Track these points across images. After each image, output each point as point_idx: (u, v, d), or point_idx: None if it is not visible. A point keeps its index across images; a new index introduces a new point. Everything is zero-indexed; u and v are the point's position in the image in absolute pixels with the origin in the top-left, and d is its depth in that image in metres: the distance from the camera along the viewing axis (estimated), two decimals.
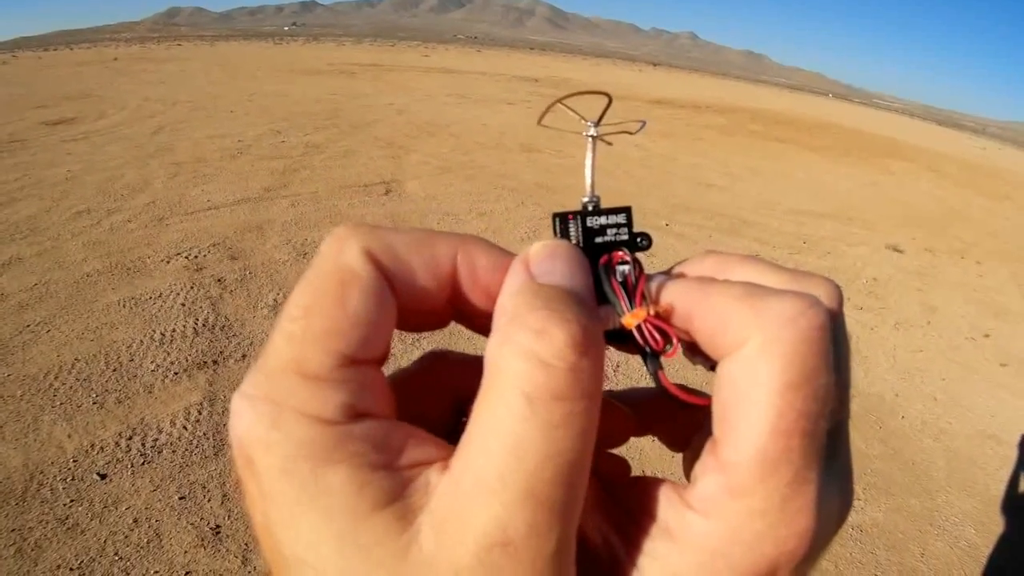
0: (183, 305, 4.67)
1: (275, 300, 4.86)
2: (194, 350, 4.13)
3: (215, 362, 4.04)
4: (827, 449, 0.28)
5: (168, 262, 5.32)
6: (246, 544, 2.87)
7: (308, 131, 10.84)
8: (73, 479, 3.07)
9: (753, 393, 0.27)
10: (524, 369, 0.26)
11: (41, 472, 3.08)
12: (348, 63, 27.08)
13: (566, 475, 0.26)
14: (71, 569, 2.67)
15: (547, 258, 0.33)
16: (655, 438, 0.42)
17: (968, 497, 3.87)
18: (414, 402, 0.37)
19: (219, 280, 5.10)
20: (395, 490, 0.27)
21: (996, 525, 3.71)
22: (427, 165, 9.23)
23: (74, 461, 3.17)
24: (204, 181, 7.61)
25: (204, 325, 4.43)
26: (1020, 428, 4.70)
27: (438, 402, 0.39)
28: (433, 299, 0.33)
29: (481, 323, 0.35)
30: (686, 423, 0.38)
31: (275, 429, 0.27)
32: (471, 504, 0.26)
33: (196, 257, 5.46)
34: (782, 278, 0.33)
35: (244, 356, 4.14)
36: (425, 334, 3.59)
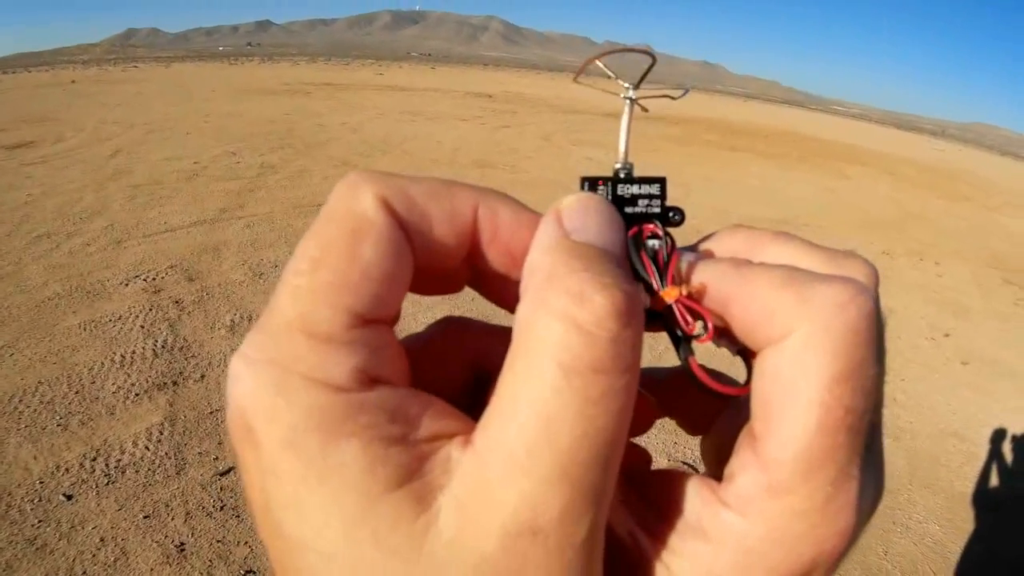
0: (142, 327, 4.68)
1: (232, 321, 4.88)
2: (154, 371, 4.16)
3: (175, 383, 4.06)
4: (867, 442, 0.27)
5: (127, 285, 5.32)
6: (210, 561, 2.91)
7: (263, 151, 10.80)
8: (40, 500, 3.09)
9: (799, 387, 0.26)
10: (561, 336, 0.25)
11: (9, 494, 3.10)
12: (303, 82, 26.73)
13: (602, 456, 0.24)
14: None
15: (581, 212, 0.31)
16: (672, 420, 0.40)
17: (932, 495, 3.92)
18: (428, 372, 0.34)
19: (177, 302, 5.12)
20: (412, 467, 0.25)
21: (962, 521, 3.76)
22: None
23: (40, 483, 3.19)
24: (161, 203, 7.59)
25: (163, 346, 4.45)
26: (982, 425, 4.77)
27: (454, 372, 0.37)
28: (451, 256, 0.31)
29: (498, 288, 0.34)
30: (707, 406, 0.37)
31: (280, 396, 0.25)
32: (498, 482, 0.24)
33: (154, 279, 5.47)
34: (819, 258, 0.31)
35: (203, 376, 4.16)
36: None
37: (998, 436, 4.62)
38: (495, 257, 0.32)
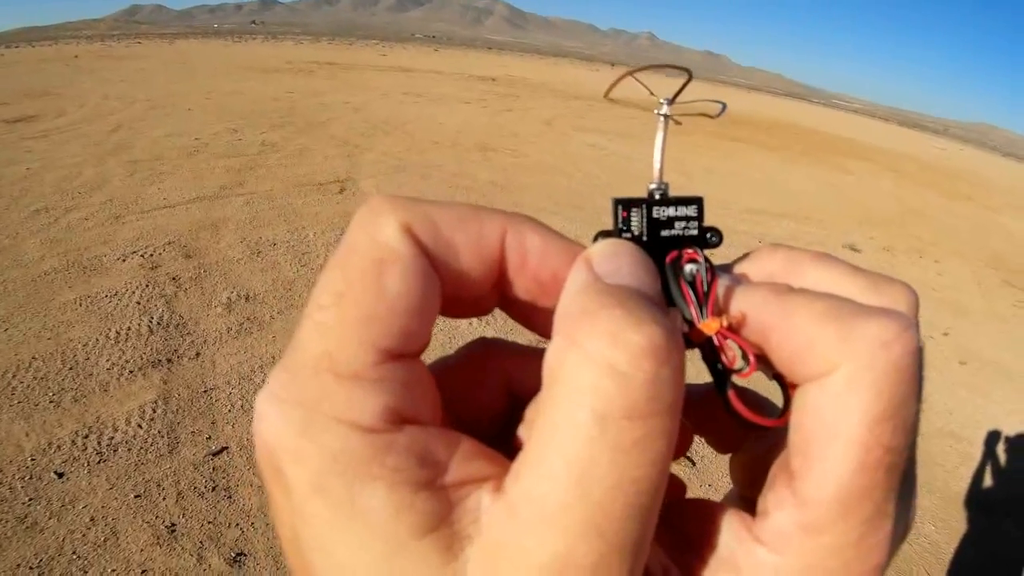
0: (138, 303, 4.68)
1: (229, 298, 4.88)
2: (149, 348, 4.15)
3: (169, 360, 4.06)
4: (903, 475, 0.26)
5: (124, 260, 5.32)
6: (200, 542, 2.90)
7: (264, 129, 10.80)
8: (31, 478, 3.08)
9: (840, 427, 0.25)
10: (594, 380, 0.23)
11: (0, 471, 3.10)
12: (306, 61, 26.70)
13: (638, 507, 0.23)
14: (31, 568, 2.69)
15: (611, 257, 0.29)
16: (701, 438, 0.39)
17: (927, 495, 3.92)
18: (461, 395, 0.34)
19: (174, 278, 5.11)
20: (440, 514, 0.25)
21: (956, 522, 3.76)
22: (382, 164, 9.22)
23: (32, 460, 3.18)
24: (161, 179, 7.58)
25: (159, 323, 4.45)
26: (979, 425, 4.77)
27: (488, 395, 0.35)
28: (478, 283, 0.30)
29: (527, 313, 0.33)
30: (738, 426, 0.33)
31: (306, 438, 0.25)
32: (529, 537, 0.23)
33: (151, 255, 5.46)
34: (861, 283, 0.30)
35: (198, 354, 4.16)
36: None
37: (994, 437, 4.63)
38: (523, 284, 0.31)
